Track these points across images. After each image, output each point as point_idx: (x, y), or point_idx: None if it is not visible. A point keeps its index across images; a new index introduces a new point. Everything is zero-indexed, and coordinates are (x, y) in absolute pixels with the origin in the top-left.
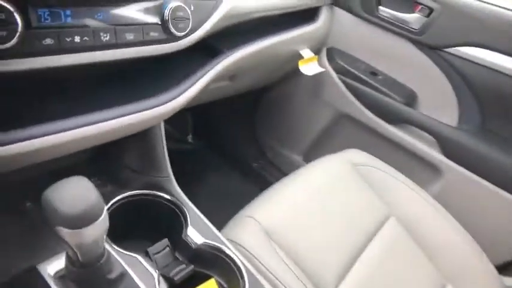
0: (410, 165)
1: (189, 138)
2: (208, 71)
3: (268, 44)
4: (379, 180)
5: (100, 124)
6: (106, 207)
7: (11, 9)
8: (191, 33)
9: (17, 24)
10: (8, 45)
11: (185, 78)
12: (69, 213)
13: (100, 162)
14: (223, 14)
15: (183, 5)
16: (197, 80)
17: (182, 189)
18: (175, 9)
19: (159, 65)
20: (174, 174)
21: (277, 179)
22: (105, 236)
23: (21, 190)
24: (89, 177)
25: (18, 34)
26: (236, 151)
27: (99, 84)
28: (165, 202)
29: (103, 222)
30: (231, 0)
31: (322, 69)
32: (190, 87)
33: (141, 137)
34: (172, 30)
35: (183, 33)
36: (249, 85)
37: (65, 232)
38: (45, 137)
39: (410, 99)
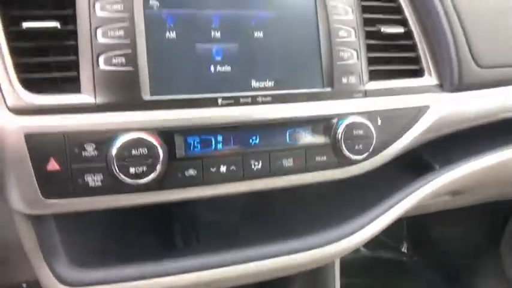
0: None
1: (403, 247)
2: (411, 193)
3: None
4: None
5: (252, 264)
6: None
7: (155, 143)
8: (374, 155)
9: (158, 157)
10: (145, 180)
11: (376, 202)
12: None
13: None
14: (429, 123)
15: (365, 121)
16: (393, 206)
17: None
18: (352, 127)
19: (336, 184)
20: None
21: None
22: None
23: None
24: None
25: (158, 168)
26: (469, 279)
27: (251, 213)
28: None
29: None
30: (447, 100)
31: None
32: (382, 214)
33: (310, 274)
34: (346, 153)
35: (360, 157)
36: (487, 197)
37: None
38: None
39: None
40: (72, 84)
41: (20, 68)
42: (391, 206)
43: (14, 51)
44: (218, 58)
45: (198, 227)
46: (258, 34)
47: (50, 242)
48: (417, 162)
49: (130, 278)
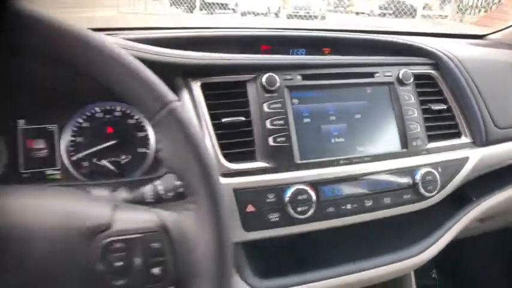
0: None
1: (433, 273)
2: (457, 221)
3: None
4: None
5: (354, 275)
6: None
7: (310, 191)
8: (439, 192)
9: (312, 200)
10: (307, 215)
11: (434, 229)
12: None
13: None
14: (470, 169)
15: (432, 170)
16: (445, 232)
17: None
18: (425, 175)
19: (406, 218)
20: None
21: None
22: None
23: None
24: None
25: (313, 207)
26: None
27: (351, 238)
28: None
29: None
30: (479, 152)
31: None
32: (439, 239)
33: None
34: (423, 192)
35: (432, 194)
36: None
37: None
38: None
39: None
40: (250, 155)
41: (221, 147)
42: (445, 232)
43: (217, 137)
44: (335, 133)
45: (316, 251)
46: (357, 116)
47: (240, 261)
48: (460, 198)
49: (296, 284)
